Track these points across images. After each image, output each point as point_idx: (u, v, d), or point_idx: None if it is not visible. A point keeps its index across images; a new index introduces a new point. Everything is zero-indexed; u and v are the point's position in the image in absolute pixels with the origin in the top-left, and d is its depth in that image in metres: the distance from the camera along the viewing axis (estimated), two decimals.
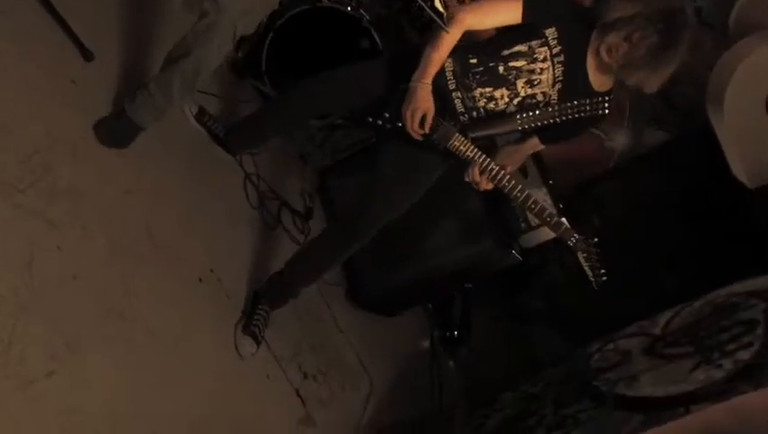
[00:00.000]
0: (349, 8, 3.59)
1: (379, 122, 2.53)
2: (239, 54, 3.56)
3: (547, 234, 3.51)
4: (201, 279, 2.64)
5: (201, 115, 2.99)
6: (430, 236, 3.51)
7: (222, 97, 3.39)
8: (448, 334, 4.41)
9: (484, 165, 2.47)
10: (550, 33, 2.40)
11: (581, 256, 2.47)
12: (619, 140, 4.52)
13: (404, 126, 2.47)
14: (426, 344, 4.38)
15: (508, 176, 2.47)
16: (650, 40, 2.23)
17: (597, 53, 2.37)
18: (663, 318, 2.81)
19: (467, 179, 2.51)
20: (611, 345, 2.83)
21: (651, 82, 2.32)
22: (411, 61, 2.53)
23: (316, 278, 2.87)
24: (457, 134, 2.48)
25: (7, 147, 2.12)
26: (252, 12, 2.63)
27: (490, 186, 2.50)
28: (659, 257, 4.45)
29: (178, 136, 2.87)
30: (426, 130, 2.45)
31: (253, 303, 2.78)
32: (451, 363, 4.47)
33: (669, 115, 4.79)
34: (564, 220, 2.54)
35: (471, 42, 2.51)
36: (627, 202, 4.59)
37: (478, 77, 2.46)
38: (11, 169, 2.09)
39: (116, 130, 2.50)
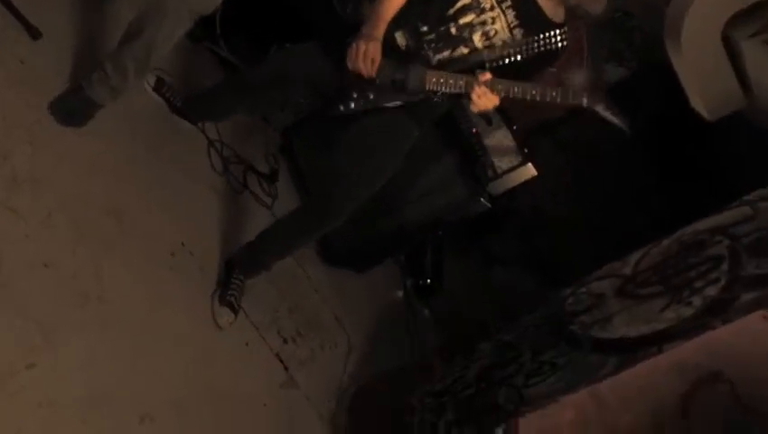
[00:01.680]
0: None
1: (352, 105, 2.49)
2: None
3: (514, 180, 3.54)
4: (172, 254, 2.62)
5: (160, 85, 2.93)
6: (397, 189, 3.49)
7: (179, 63, 3.30)
8: (421, 282, 4.46)
9: (477, 82, 2.34)
10: None
11: (601, 109, 2.37)
12: (577, 79, 4.53)
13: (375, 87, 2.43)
14: (400, 294, 4.43)
15: (504, 82, 2.36)
16: None
17: None
18: (633, 258, 2.85)
19: (475, 109, 2.40)
20: (583, 289, 2.87)
21: (594, 1, 2.32)
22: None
23: (289, 253, 2.85)
24: (429, 71, 2.42)
25: None
26: None
27: (496, 100, 2.37)
28: (625, 194, 4.52)
29: (136, 110, 2.80)
30: (374, 70, 2.37)
31: (227, 272, 2.76)
32: (426, 311, 4.53)
33: (627, 51, 4.80)
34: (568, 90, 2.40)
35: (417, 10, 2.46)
36: (589, 142, 4.61)
37: (433, 45, 2.44)
38: None
39: (73, 108, 2.43)
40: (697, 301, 2.47)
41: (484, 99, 2.34)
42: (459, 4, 2.42)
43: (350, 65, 2.38)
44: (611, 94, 2.38)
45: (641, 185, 4.56)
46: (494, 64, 2.44)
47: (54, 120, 2.39)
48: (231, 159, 3.24)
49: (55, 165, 2.31)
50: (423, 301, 4.48)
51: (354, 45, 2.35)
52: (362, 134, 2.58)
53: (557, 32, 2.39)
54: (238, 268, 2.75)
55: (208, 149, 3.13)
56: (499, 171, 3.47)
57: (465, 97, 2.40)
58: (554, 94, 2.33)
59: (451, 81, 2.39)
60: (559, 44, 2.41)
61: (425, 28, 2.46)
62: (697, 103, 4.09)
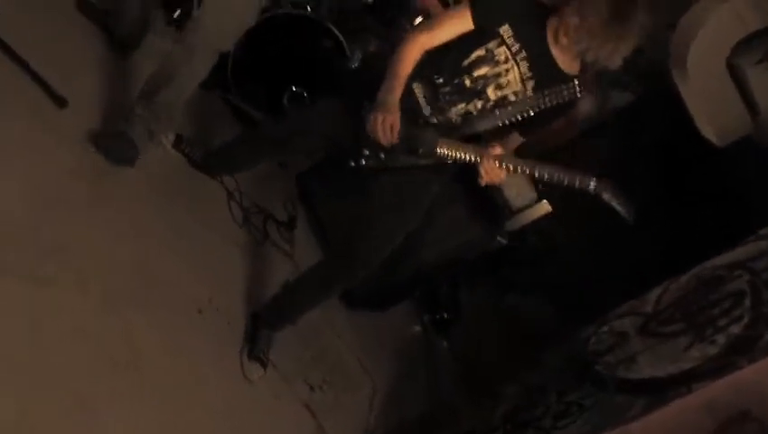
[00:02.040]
0: (308, 8, 3.57)
1: (363, 161, 2.53)
2: None
3: (529, 217, 3.58)
4: (200, 311, 2.65)
5: (179, 141, 2.99)
6: (415, 231, 3.54)
7: (193, 113, 3.36)
8: (438, 316, 4.48)
9: (487, 156, 2.40)
10: (504, 30, 2.40)
11: (606, 196, 2.40)
12: (584, 107, 4.57)
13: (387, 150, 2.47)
14: (418, 329, 4.45)
15: (513, 159, 2.42)
16: (601, 13, 2.20)
17: (557, 38, 2.37)
18: (653, 295, 2.88)
19: (483, 182, 2.43)
20: (605, 328, 2.90)
21: (613, 56, 2.27)
22: (370, 91, 2.52)
23: (314, 307, 2.86)
24: (441, 139, 2.47)
25: None
26: (227, 31, 2.75)
27: (503, 175, 2.41)
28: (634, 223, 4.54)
29: (157, 166, 2.86)
30: (395, 138, 2.40)
31: (253, 327, 2.79)
32: (444, 343, 4.55)
33: (633, 77, 4.85)
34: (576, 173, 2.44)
35: (433, 61, 2.50)
36: (596, 167, 4.64)
37: (448, 97, 2.47)
38: None
39: (120, 151, 2.55)
40: (721, 339, 2.49)
41: (492, 174, 2.40)
42: (473, 56, 2.44)
43: (371, 134, 2.41)
44: (612, 181, 2.41)
45: (647, 210, 4.58)
46: (507, 122, 2.48)
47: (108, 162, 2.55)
48: (251, 209, 3.28)
49: (83, 230, 2.35)
50: (441, 334, 4.50)
51: (374, 117, 2.37)
52: (383, 189, 2.62)
53: (571, 84, 2.41)
54: (264, 322, 2.78)
55: (228, 201, 3.17)
56: (514, 209, 3.51)
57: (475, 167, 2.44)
58: (562, 176, 2.38)
59: (461, 152, 2.44)
60: (573, 95, 2.43)
61: (440, 80, 2.49)
62: (706, 130, 4.13)
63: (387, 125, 2.36)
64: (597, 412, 2.61)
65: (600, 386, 2.70)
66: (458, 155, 2.46)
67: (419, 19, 3.90)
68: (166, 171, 2.92)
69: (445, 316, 4.42)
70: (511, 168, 2.40)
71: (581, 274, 4.48)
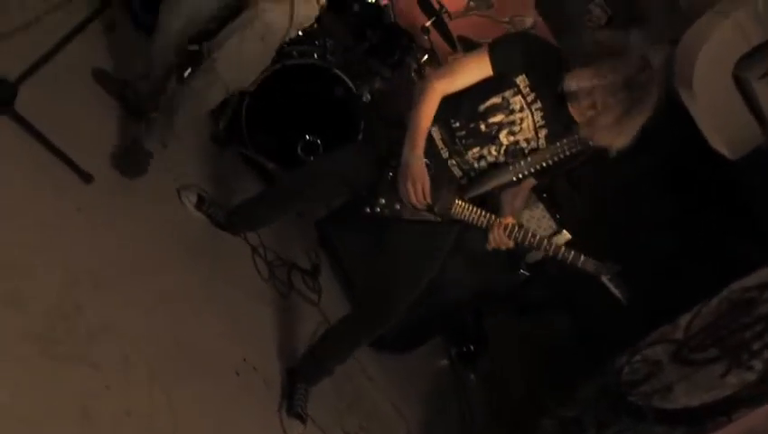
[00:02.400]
0: (316, 56, 3.61)
1: (377, 210, 2.56)
2: (219, 126, 3.57)
3: None
4: (237, 373, 2.68)
5: (201, 203, 3.02)
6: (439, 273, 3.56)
7: (212, 172, 3.41)
8: (465, 349, 4.50)
9: (497, 225, 2.46)
10: (521, 80, 2.42)
11: (605, 279, 2.45)
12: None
13: (404, 202, 2.50)
14: (446, 363, 4.47)
15: (523, 231, 2.47)
16: (614, 110, 2.22)
17: (573, 97, 2.34)
18: (683, 321, 2.90)
19: (490, 248, 2.49)
20: (638, 357, 2.91)
21: (622, 141, 2.28)
22: (385, 137, 2.60)
23: (349, 356, 2.88)
24: (457, 200, 2.51)
25: (33, 297, 2.11)
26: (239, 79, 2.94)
27: (512, 244, 2.48)
28: (643, 229, 4.56)
29: (181, 231, 2.90)
30: (428, 200, 2.45)
31: (290, 383, 2.82)
32: (472, 376, 4.56)
33: None
34: (582, 254, 2.52)
35: (449, 105, 2.53)
36: (603, 181, 4.66)
37: (464, 141, 2.50)
38: (42, 320, 2.09)
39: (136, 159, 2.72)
40: (758, 365, 2.50)
41: (500, 242, 2.45)
42: (489, 103, 2.46)
43: (403, 198, 2.46)
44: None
45: (659, 221, 4.60)
46: (525, 174, 2.50)
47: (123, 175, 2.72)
48: (275, 262, 3.31)
49: (121, 306, 2.38)
50: (468, 367, 4.52)
51: (404, 182, 2.42)
52: (404, 238, 2.64)
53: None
54: (300, 377, 2.81)
55: (252, 257, 3.20)
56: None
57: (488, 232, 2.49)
58: (566, 254, 2.42)
59: (474, 215, 2.48)
60: (588, 143, 2.42)
61: (456, 124, 2.51)
62: (718, 143, 4.16)
63: (418, 189, 2.41)
64: None
65: (637, 417, 2.71)
66: (470, 218, 2.51)
67: (425, 57, 3.96)
68: (190, 233, 2.95)
69: (472, 348, 4.44)
70: (519, 240, 2.45)
71: (604, 299, 4.49)
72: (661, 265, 4.31)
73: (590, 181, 4.68)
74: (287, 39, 2.81)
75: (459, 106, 2.51)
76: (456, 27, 4.37)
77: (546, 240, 2.45)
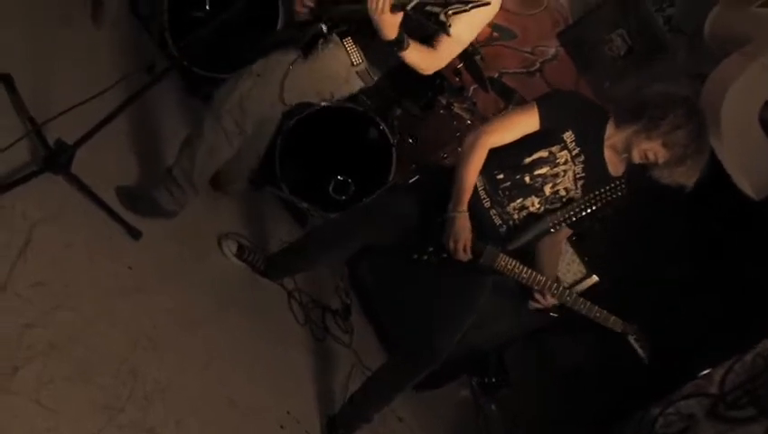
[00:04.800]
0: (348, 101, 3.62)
1: (425, 257, 2.61)
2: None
3: (578, 290, 3.64)
4: (282, 427, 2.71)
5: (241, 252, 3.05)
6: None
7: (249, 215, 3.44)
8: (486, 380, 4.53)
9: (539, 282, 2.53)
10: (568, 136, 2.51)
11: (632, 339, 2.58)
12: None
13: (449, 255, 2.55)
14: (467, 393, 4.51)
15: (567, 290, 2.55)
16: (691, 148, 2.37)
17: (628, 148, 2.46)
18: (717, 375, 2.93)
19: (532, 309, 2.58)
20: (671, 409, 2.95)
21: (695, 177, 2.42)
22: (435, 184, 2.64)
23: (390, 403, 2.93)
24: (501, 254, 2.56)
25: (98, 367, 2.14)
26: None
27: (555, 301, 2.55)
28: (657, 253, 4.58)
29: (225, 282, 2.93)
30: (470, 255, 2.52)
31: (330, 430, 2.86)
32: (493, 406, 4.60)
33: None
34: (611, 315, 2.58)
35: (494, 156, 2.58)
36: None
37: (508, 192, 2.56)
38: (108, 389, 2.12)
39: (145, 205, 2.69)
40: None
41: (543, 303, 2.54)
42: (536, 156, 2.53)
43: (451, 253, 2.51)
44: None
45: (677, 249, 4.61)
46: (558, 225, 2.56)
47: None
48: (309, 305, 3.34)
49: (175, 367, 2.41)
50: (490, 398, 4.55)
51: (450, 239, 2.49)
52: (445, 284, 2.71)
53: (617, 183, 2.52)
54: (341, 426, 2.85)
55: (289, 302, 3.24)
56: (565, 285, 3.55)
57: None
58: (598, 315, 2.53)
59: (516, 270, 2.54)
60: (618, 194, 2.53)
61: (501, 175, 2.57)
62: (743, 184, 4.19)
63: (461, 247, 2.48)
64: None
65: None
66: (514, 274, 2.56)
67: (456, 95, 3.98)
68: (232, 283, 2.99)
69: (494, 380, 4.47)
70: (558, 298, 2.54)
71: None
72: (680, 293, 4.33)
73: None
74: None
75: (505, 158, 2.57)
76: None
77: (581, 300, 2.54)
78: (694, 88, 2.46)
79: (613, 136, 2.50)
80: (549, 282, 2.53)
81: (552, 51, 5.06)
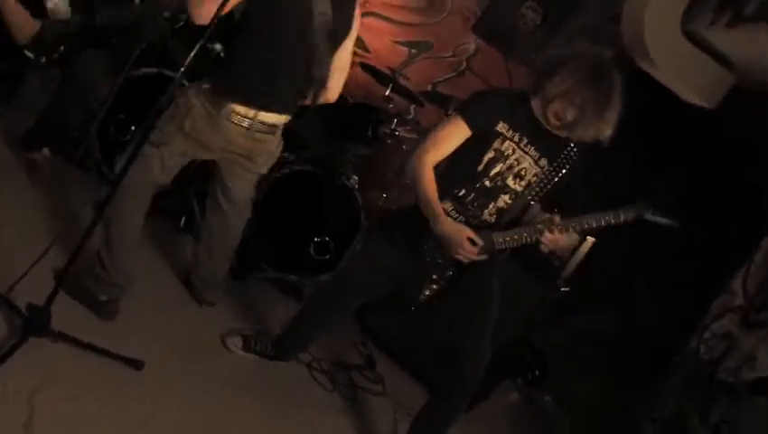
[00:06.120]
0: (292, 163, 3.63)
1: (435, 286, 2.62)
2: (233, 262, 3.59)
3: (580, 257, 3.63)
4: None
5: (247, 343, 3.03)
6: None
7: (245, 306, 3.42)
8: (530, 375, 4.49)
9: (540, 231, 2.52)
10: (502, 127, 2.56)
11: (650, 216, 2.51)
12: None
13: (455, 270, 2.57)
14: (516, 395, 4.46)
15: (568, 219, 2.53)
16: (591, 103, 2.43)
17: (546, 118, 2.54)
18: (737, 286, 2.91)
19: (547, 250, 2.55)
20: (707, 334, 2.92)
21: (608, 130, 2.48)
22: (402, 224, 2.69)
23: None
24: (494, 234, 2.57)
25: None
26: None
27: (564, 236, 2.53)
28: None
29: (242, 377, 2.90)
30: (481, 244, 2.52)
31: None
32: (547, 398, 4.54)
33: None
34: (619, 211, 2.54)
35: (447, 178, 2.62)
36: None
37: (476, 203, 2.59)
38: None
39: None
40: None
41: (555, 241, 2.51)
42: (485, 160, 2.57)
43: (465, 261, 2.52)
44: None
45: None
46: (537, 198, 2.59)
47: None
48: (331, 370, 3.31)
49: None
50: (541, 391, 4.50)
51: (456, 251, 2.49)
52: (458, 307, 2.69)
53: (571, 147, 2.58)
54: None
55: (310, 373, 3.21)
56: (564, 257, 3.55)
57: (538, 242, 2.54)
58: (608, 218, 2.50)
59: (516, 237, 2.54)
60: (573, 158, 2.59)
61: (463, 192, 2.60)
62: (693, 98, 4.23)
63: (466, 245, 2.48)
64: (746, 421, 2.61)
65: (733, 394, 2.71)
66: (516, 242, 2.56)
67: (395, 121, 4.01)
68: (249, 375, 2.96)
69: (537, 373, 4.43)
70: (569, 230, 2.53)
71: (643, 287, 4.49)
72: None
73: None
74: None
75: (459, 176, 2.62)
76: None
77: (585, 217, 2.52)
78: (591, 46, 2.52)
79: (535, 109, 2.56)
80: (549, 223, 2.52)
81: (472, 46, 5.13)
